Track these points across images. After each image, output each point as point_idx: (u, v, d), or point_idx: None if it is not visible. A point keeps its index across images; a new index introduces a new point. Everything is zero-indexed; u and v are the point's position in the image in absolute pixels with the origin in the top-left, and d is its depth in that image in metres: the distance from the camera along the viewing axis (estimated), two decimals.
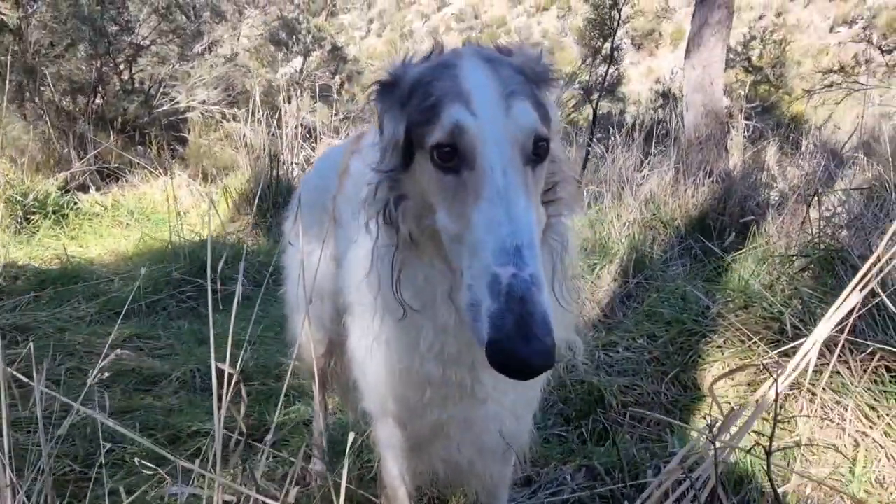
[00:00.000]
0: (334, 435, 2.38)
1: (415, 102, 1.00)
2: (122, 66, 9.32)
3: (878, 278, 1.87)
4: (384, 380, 1.28)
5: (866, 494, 1.84)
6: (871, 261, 1.53)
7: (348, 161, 1.53)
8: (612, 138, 5.53)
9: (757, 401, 1.51)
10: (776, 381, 1.00)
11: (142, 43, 9.32)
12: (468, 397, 1.22)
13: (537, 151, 0.96)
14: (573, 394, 2.56)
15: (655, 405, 2.48)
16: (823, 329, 1.08)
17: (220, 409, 1.32)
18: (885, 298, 1.33)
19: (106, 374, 1.54)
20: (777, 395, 1.00)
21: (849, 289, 1.31)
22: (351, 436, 1.14)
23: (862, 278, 1.55)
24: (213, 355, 1.37)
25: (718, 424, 1.04)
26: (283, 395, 1.63)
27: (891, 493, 1.84)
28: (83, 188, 6.66)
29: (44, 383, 1.36)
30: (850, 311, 1.65)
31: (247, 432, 2.32)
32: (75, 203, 6.03)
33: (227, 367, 1.34)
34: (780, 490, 1.79)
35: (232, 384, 1.35)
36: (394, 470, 1.44)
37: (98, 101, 8.98)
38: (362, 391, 1.38)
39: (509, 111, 0.93)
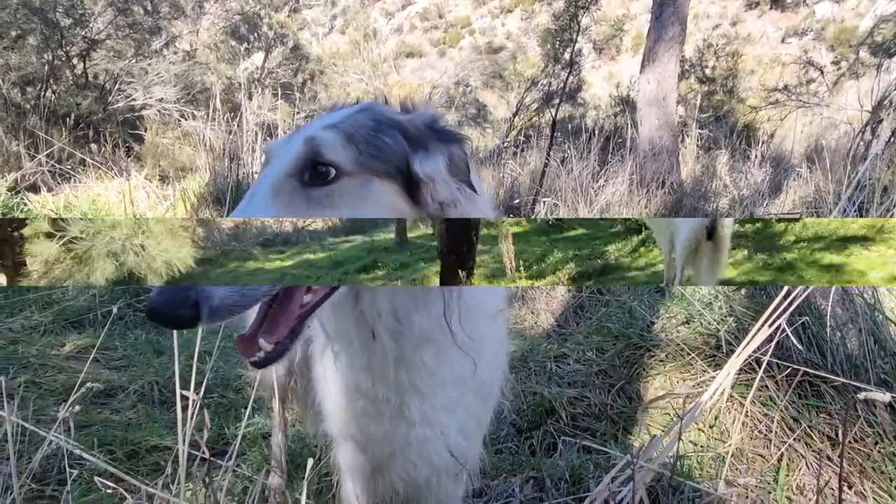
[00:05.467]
0: (292, 447, 2.43)
1: None
2: (75, 60, 9.06)
3: (802, 298, 2.03)
4: (342, 402, 1.35)
5: (788, 501, 2.01)
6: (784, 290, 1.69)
7: None
8: (569, 149, 5.67)
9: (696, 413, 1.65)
10: (682, 419, 1.13)
11: (96, 37, 9.09)
12: (398, 417, 1.27)
13: None
14: (525, 405, 2.69)
15: (602, 416, 2.62)
16: (735, 362, 1.20)
17: (184, 432, 1.38)
18: (789, 332, 1.46)
19: (75, 407, 1.57)
20: (681, 433, 1.12)
21: (765, 315, 1.45)
22: (310, 462, 1.21)
23: (777, 306, 1.71)
24: (177, 377, 1.43)
25: (644, 447, 1.16)
26: (247, 409, 1.69)
27: (809, 500, 2.00)
28: (34, 188, 6.48)
29: (16, 414, 1.39)
30: (775, 332, 1.81)
31: (209, 450, 2.35)
32: (25, 205, 5.88)
33: (191, 395, 1.40)
34: (711, 495, 1.94)
35: (197, 406, 1.41)
36: (353, 492, 1.49)
37: (49, 94, 8.72)
38: (324, 413, 1.44)
39: None
